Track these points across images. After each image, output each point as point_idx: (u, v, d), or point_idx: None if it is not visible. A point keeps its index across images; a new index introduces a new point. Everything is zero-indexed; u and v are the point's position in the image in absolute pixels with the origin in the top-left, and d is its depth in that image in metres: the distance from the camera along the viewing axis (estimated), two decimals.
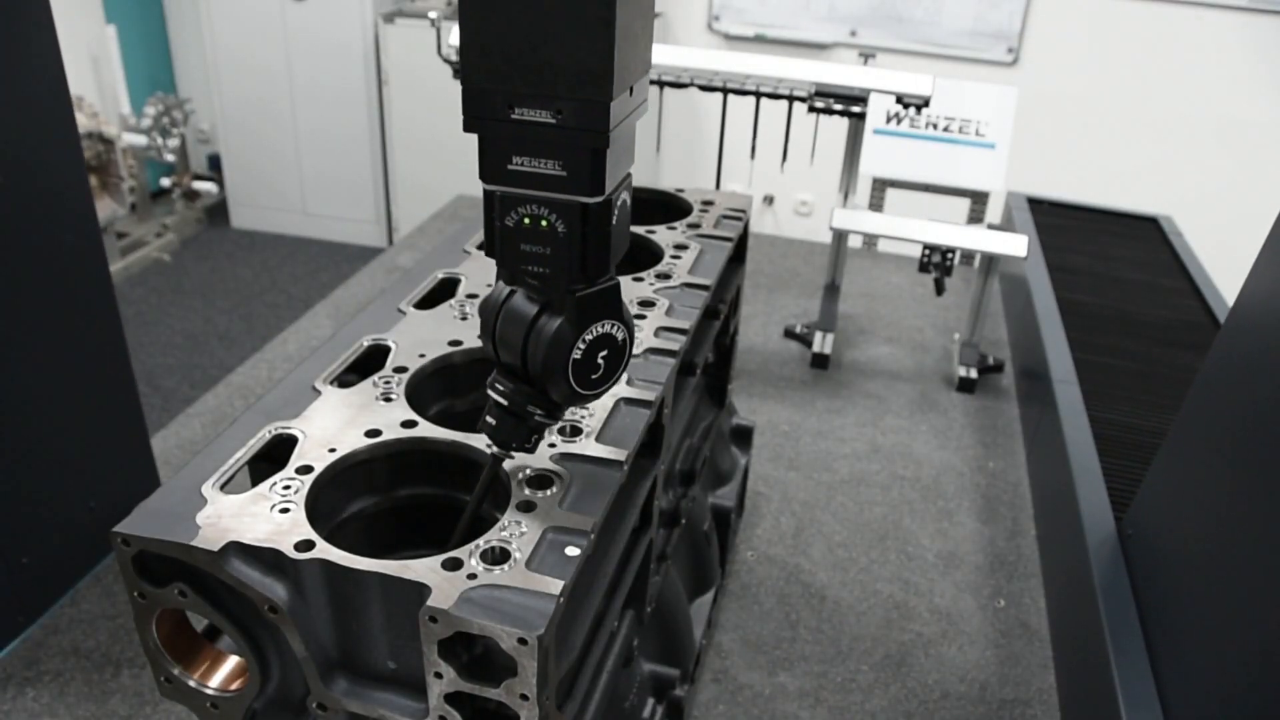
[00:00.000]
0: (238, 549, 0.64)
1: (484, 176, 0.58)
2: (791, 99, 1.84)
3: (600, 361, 0.65)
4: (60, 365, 1.24)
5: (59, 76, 1.16)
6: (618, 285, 0.64)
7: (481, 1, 0.54)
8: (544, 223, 0.59)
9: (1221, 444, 1.09)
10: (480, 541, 0.65)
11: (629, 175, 0.63)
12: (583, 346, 0.63)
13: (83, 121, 3.92)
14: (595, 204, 0.58)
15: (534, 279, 0.61)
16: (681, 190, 1.28)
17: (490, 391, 0.67)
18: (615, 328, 0.65)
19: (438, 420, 0.80)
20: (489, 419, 0.67)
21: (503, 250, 0.61)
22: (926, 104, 1.77)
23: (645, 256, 1.13)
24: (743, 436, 1.43)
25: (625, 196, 0.62)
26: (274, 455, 0.75)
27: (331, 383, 0.84)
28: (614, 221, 0.61)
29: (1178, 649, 1.06)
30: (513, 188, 0.58)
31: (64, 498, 1.28)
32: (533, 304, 0.63)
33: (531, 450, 0.70)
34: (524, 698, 0.61)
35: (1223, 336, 1.16)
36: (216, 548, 0.63)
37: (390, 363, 0.87)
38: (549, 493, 0.71)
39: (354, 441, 0.75)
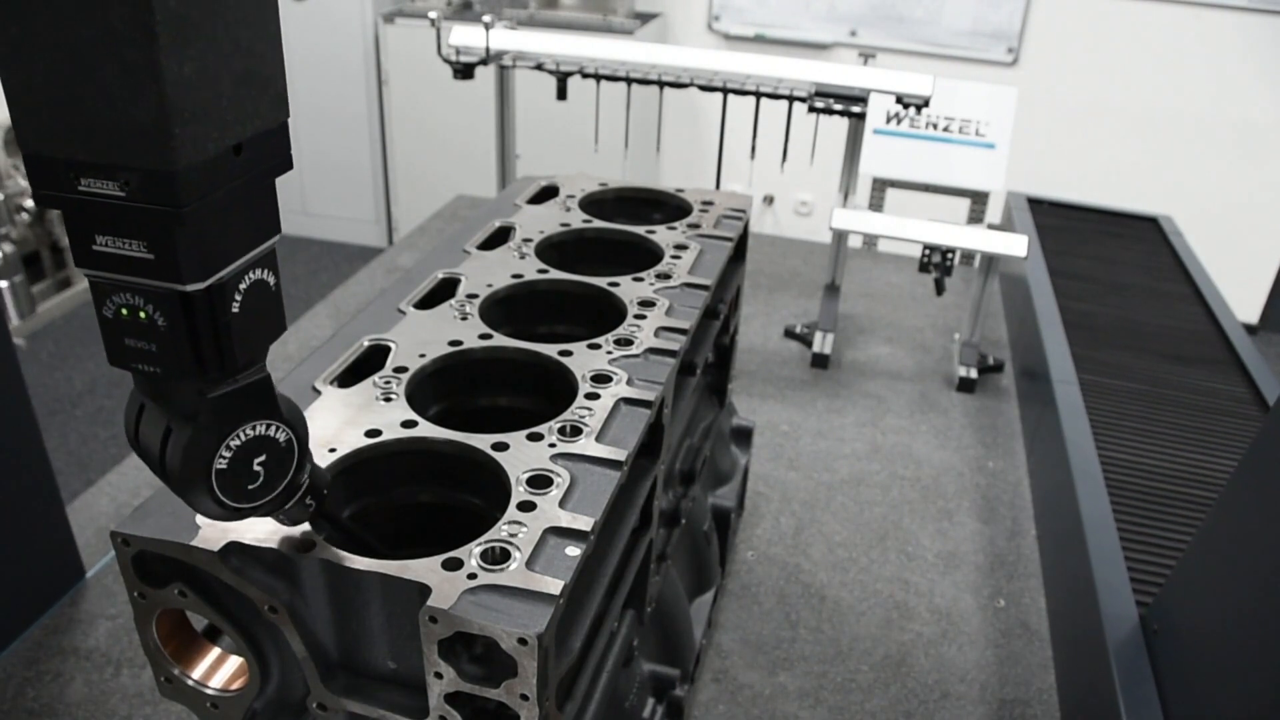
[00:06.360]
0: (238, 549, 0.64)
1: (75, 259, 0.49)
2: (791, 99, 1.84)
3: (259, 469, 0.57)
4: None
5: None
6: (267, 378, 0.55)
7: (18, 45, 0.43)
8: (142, 314, 0.49)
9: (1273, 535, 0.91)
10: (480, 541, 0.65)
11: (269, 249, 0.53)
12: (228, 455, 0.54)
13: None
14: (197, 292, 0.48)
15: (147, 380, 0.52)
16: (681, 190, 1.28)
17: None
18: (272, 428, 0.56)
19: (438, 420, 0.80)
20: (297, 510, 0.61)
21: (109, 345, 0.51)
22: (926, 104, 1.77)
23: (645, 256, 1.13)
24: (743, 436, 1.43)
25: (259, 275, 0.52)
26: None
27: (331, 383, 0.84)
28: (235, 309, 0.51)
29: None
30: (102, 272, 0.48)
31: None
32: (166, 407, 0.54)
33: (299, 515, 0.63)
34: (524, 698, 0.61)
35: (1276, 416, 0.97)
36: (216, 548, 0.63)
37: (390, 363, 0.87)
38: (549, 493, 0.71)
39: (354, 441, 0.75)
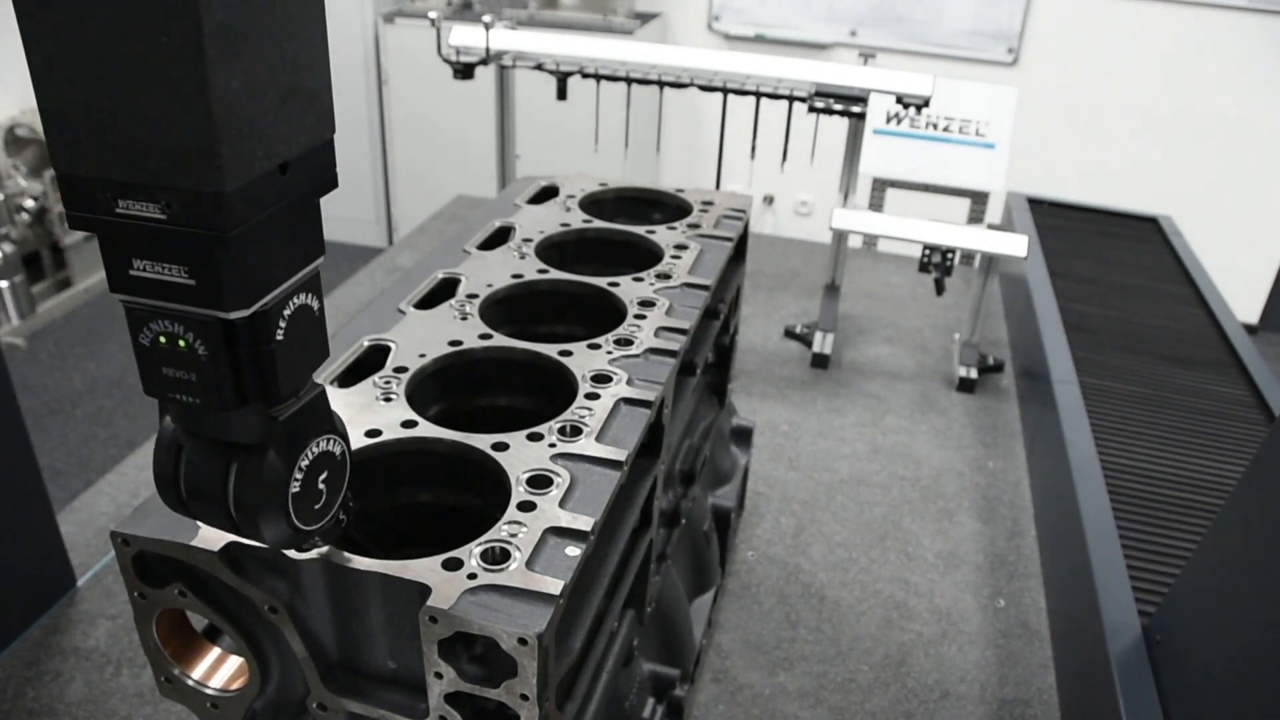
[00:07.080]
0: (238, 549, 0.64)
1: (110, 284, 0.47)
2: (791, 99, 1.84)
3: (322, 486, 0.56)
4: None
5: None
6: (323, 391, 0.54)
7: (54, 62, 0.41)
8: (182, 342, 0.47)
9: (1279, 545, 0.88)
10: (480, 541, 0.65)
11: (313, 273, 0.50)
12: (299, 476, 0.53)
13: None
14: (240, 320, 0.46)
15: (186, 410, 0.50)
16: (681, 190, 1.28)
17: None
18: (331, 442, 0.55)
19: (438, 420, 0.80)
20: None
21: (145, 375, 0.49)
22: (926, 104, 1.77)
23: (645, 256, 1.13)
24: (743, 436, 1.43)
25: (304, 300, 0.50)
26: None
27: (331, 382, 0.84)
28: (280, 336, 0.48)
29: None
30: (139, 298, 0.46)
31: None
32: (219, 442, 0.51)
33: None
34: (524, 698, 0.61)
35: None
36: (216, 548, 0.63)
37: (390, 363, 0.87)
38: (549, 493, 0.71)
39: (354, 441, 0.75)
